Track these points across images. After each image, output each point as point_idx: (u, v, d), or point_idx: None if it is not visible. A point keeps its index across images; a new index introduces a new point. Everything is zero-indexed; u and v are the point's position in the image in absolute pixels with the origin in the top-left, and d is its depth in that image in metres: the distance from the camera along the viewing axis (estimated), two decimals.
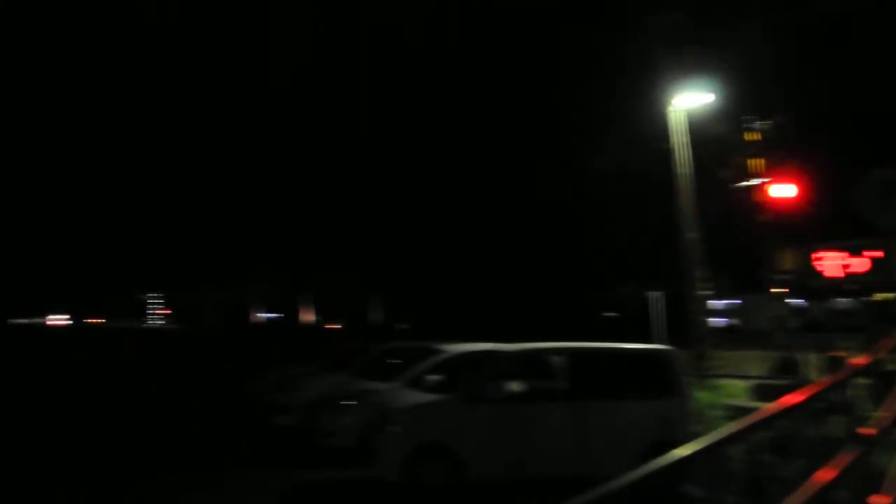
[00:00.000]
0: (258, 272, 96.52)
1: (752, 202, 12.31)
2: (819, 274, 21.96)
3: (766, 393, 11.82)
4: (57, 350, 44.45)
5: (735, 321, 35.66)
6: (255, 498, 8.92)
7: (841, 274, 21.36)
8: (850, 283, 24.89)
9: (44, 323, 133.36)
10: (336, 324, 76.90)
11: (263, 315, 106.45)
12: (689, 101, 15.51)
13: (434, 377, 10.77)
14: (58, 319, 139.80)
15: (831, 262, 21.64)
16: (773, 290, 17.47)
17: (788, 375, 11.82)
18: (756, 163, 12.04)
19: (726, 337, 22.97)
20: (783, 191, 11.61)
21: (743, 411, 11.41)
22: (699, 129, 15.16)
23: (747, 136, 11.94)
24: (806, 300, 34.70)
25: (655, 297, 18.12)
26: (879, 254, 18.37)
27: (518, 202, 51.58)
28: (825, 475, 4.23)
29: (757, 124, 12.01)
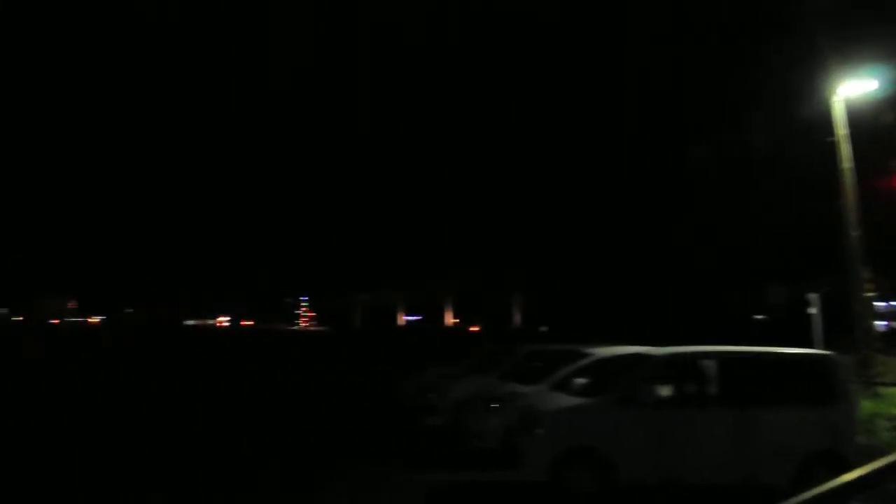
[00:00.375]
0: (402, 276, 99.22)
1: None
2: None
3: None
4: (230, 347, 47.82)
5: None
6: (402, 497, 9.12)
7: None
8: None
9: (214, 324, 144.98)
10: (476, 326, 77.69)
11: (406, 318, 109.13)
12: (854, 89, 14.54)
13: (581, 380, 10.70)
14: (223, 321, 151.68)
15: None
16: None
17: None
18: None
19: (890, 342, 21.36)
20: None
21: None
22: (866, 120, 14.20)
23: None
24: None
25: (814, 298, 17.12)
26: None
27: (659, 200, 50.13)
28: None
29: None
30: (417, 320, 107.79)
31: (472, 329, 74.30)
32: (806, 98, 16.01)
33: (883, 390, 12.95)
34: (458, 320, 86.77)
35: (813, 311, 17.06)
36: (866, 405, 11.49)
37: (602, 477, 8.57)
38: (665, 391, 9.32)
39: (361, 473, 10.60)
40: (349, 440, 13.32)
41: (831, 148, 14.82)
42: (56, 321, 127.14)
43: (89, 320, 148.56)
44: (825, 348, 11.59)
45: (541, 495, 8.77)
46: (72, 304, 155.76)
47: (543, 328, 64.45)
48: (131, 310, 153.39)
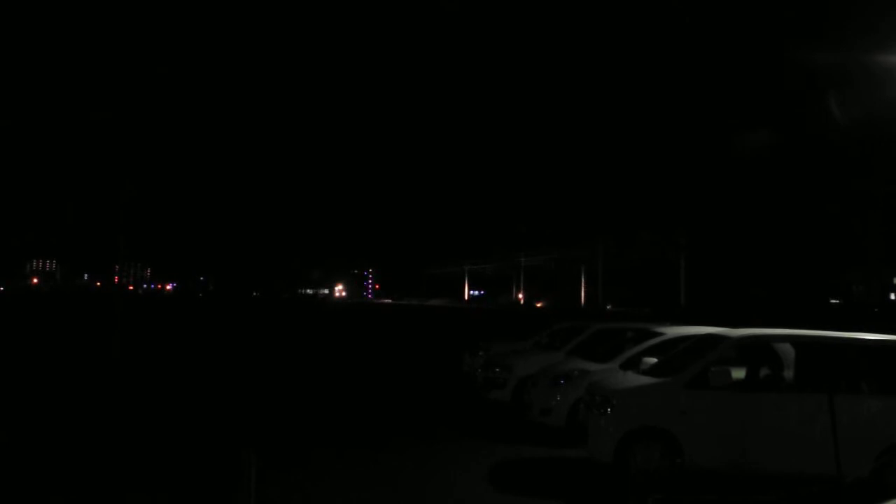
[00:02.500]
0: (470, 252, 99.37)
1: None
2: None
3: None
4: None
5: None
6: (464, 471, 9.17)
7: None
8: None
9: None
10: (542, 301, 77.45)
11: (471, 292, 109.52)
12: None
13: (651, 360, 10.57)
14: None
15: None
16: None
17: None
18: None
19: None
20: None
21: None
22: None
23: None
24: None
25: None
26: None
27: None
28: None
29: None
30: (480, 294, 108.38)
31: (538, 305, 74.04)
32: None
33: None
34: (526, 295, 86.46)
35: (894, 296, 16.38)
36: None
37: (669, 459, 8.45)
38: (738, 374, 9.10)
39: (425, 446, 10.75)
40: (415, 414, 13.52)
41: None
42: (131, 287, 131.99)
43: (166, 287, 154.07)
44: None
45: (606, 474, 8.72)
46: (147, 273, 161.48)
47: (608, 306, 63.82)
48: (203, 278, 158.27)
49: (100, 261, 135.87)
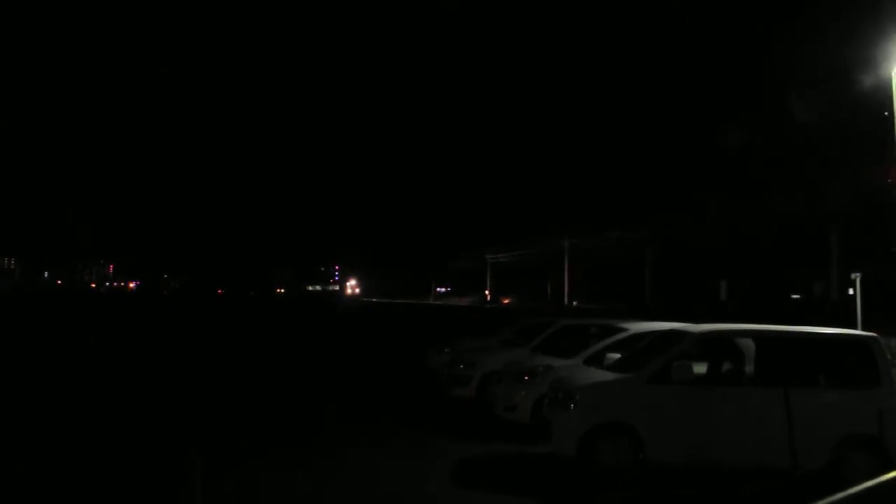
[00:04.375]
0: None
1: None
2: None
3: None
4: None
5: None
6: (427, 468, 9.13)
7: None
8: None
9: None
10: (508, 298, 77.62)
11: (438, 289, 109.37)
12: None
13: (614, 355, 10.58)
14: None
15: None
16: None
17: None
18: None
19: None
20: None
21: None
22: None
23: None
24: None
25: (856, 279, 16.72)
26: None
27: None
28: None
29: None
30: (446, 290, 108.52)
31: (504, 302, 74.21)
32: (866, 74, 15.43)
33: None
34: (490, 292, 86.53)
35: (851, 291, 16.69)
36: None
37: (632, 454, 8.47)
38: (700, 369, 9.15)
39: (387, 442, 10.67)
40: (379, 410, 13.42)
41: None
42: (93, 284, 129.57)
43: (129, 285, 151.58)
44: (866, 330, 11.27)
45: (570, 469, 8.71)
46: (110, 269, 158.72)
47: (574, 303, 64.21)
48: (166, 275, 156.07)
49: (60, 258, 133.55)
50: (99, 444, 9.89)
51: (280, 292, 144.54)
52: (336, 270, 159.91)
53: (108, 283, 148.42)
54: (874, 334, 9.37)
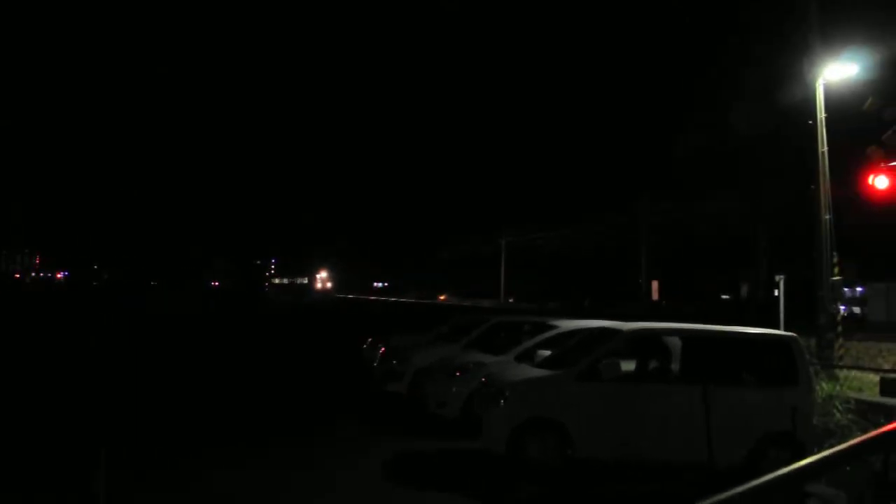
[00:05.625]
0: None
1: None
2: None
3: None
4: None
5: (856, 309, 33.67)
6: (356, 464, 9.07)
7: None
8: None
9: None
10: (444, 295, 77.83)
11: (375, 284, 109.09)
12: (838, 72, 14.49)
13: (545, 352, 10.65)
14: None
15: None
16: None
17: None
18: None
19: (853, 326, 21.64)
20: None
21: (870, 406, 10.72)
22: (850, 104, 14.14)
23: None
24: None
25: (780, 280, 17.23)
26: None
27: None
28: None
29: None
30: (383, 286, 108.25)
31: (441, 298, 74.35)
32: (792, 83, 15.90)
33: (842, 373, 13.06)
34: (427, 289, 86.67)
35: (776, 292, 17.19)
36: (825, 388, 11.59)
37: (560, 450, 8.53)
38: (628, 366, 9.28)
39: (318, 438, 10.54)
40: (310, 406, 13.26)
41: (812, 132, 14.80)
42: (17, 276, 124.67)
43: (56, 276, 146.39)
44: (787, 330, 11.64)
45: (499, 466, 8.73)
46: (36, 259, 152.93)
47: (510, 300, 64.78)
48: (96, 266, 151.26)
49: None
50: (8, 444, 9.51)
51: (215, 286, 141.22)
52: (273, 264, 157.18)
53: (34, 274, 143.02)
54: (794, 334, 9.67)
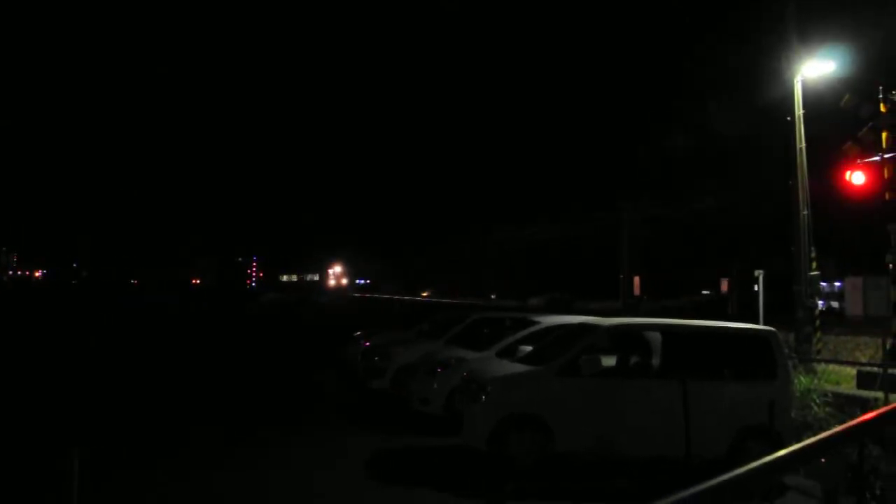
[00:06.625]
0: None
1: (877, 179, 11.48)
2: None
3: (873, 382, 11.14)
4: None
5: (834, 304, 33.96)
6: (339, 460, 9.06)
7: None
8: None
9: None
10: (427, 291, 77.79)
11: (357, 280, 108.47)
12: (816, 70, 14.64)
13: (526, 348, 10.68)
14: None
15: None
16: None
17: None
18: (886, 137, 11.21)
19: (831, 321, 21.81)
20: None
21: (847, 400, 10.86)
22: (827, 101, 14.29)
23: (882, 108, 11.14)
24: None
25: (759, 275, 17.36)
26: None
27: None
28: None
29: (891, 95, 11.17)
30: (365, 283, 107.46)
31: (423, 295, 74.32)
32: (773, 80, 16.02)
33: (819, 367, 13.21)
34: (410, 286, 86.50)
35: (756, 287, 17.31)
36: (802, 381, 11.72)
37: (541, 445, 8.56)
38: (609, 361, 9.33)
39: (300, 435, 10.51)
40: (293, 402, 13.22)
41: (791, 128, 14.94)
42: None
43: (35, 274, 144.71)
44: (766, 325, 11.74)
45: (481, 461, 8.74)
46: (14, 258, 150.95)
47: (493, 296, 64.83)
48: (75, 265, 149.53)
49: None
50: None
51: (196, 283, 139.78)
52: (254, 262, 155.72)
53: (11, 272, 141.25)
54: (772, 329, 9.76)
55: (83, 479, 5.21)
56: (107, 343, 22.25)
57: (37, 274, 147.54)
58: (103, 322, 31.79)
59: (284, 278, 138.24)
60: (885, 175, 11.26)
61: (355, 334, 17.14)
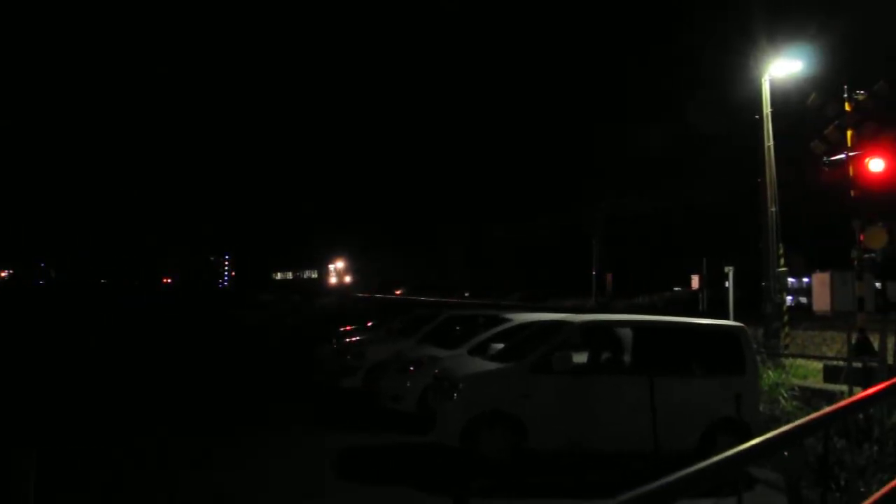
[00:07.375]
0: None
1: (842, 177, 11.64)
2: None
3: (839, 376, 11.31)
4: None
5: (803, 299, 34.47)
6: (310, 459, 8.99)
7: None
8: None
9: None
10: (400, 290, 77.66)
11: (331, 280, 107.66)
12: (783, 69, 14.83)
13: (498, 345, 10.68)
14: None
15: None
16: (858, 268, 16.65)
17: (865, 358, 11.26)
18: (851, 135, 11.39)
19: (799, 316, 22.15)
20: (877, 166, 10.94)
21: (813, 393, 11.02)
22: (794, 100, 14.49)
23: (847, 107, 11.31)
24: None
25: (729, 272, 17.56)
26: None
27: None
28: None
29: (855, 94, 11.36)
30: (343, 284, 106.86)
31: (396, 293, 74.20)
32: (743, 79, 16.22)
33: (787, 361, 13.39)
34: (382, 283, 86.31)
35: (726, 284, 17.53)
36: (771, 376, 11.86)
37: (514, 442, 8.56)
38: (580, 358, 9.35)
39: (273, 434, 10.43)
40: (265, 402, 13.11)
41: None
42: None
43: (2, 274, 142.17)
44: (735, 320, 11.86)
45: (453, 459, 8.73)
46: None
47: (466, 294, 64.90)
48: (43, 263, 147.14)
49: None
50: None
51: (167, 282, 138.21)
52: (226, 261, 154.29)
53: None
54: (741, 324, 9.86)
55: (41, 480, 5.11)
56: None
57: (2, 274, 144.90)
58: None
59: (277, 276, 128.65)
60: (850, 173, 11.40)
61: (329, 334, 17.04)
